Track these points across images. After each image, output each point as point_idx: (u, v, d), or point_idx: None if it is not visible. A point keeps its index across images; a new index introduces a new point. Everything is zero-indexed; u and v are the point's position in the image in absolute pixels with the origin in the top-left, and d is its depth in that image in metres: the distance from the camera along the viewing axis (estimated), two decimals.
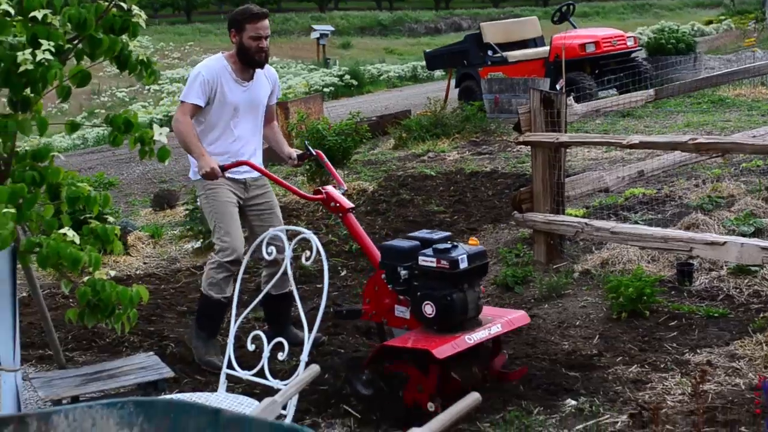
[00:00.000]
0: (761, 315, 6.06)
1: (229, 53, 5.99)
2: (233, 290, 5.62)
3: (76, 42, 4.06)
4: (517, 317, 5.39)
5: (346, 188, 5.88)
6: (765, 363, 5.38)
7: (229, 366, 4.18)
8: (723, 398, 4.97)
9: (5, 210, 3.89)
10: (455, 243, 5.13)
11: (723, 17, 37.52)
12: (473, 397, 3.25)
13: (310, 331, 3.96)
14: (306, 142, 6.47)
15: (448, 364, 4.94)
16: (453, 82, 17.05)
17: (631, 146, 6.91)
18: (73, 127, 4.36)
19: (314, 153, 6.21)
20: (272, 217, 6.11)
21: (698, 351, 5.70)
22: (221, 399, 3.98)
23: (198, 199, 6.15)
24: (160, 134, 4.26)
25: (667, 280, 6.91)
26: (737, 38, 25.55)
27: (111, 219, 4.42)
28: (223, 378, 4.21)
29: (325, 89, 24.76)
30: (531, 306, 6.83)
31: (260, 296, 4.76)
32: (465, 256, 4.98)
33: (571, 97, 8.13)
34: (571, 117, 7.97)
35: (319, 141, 10.59)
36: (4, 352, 4.26)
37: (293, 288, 5.73)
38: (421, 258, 5.05)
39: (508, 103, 13.04)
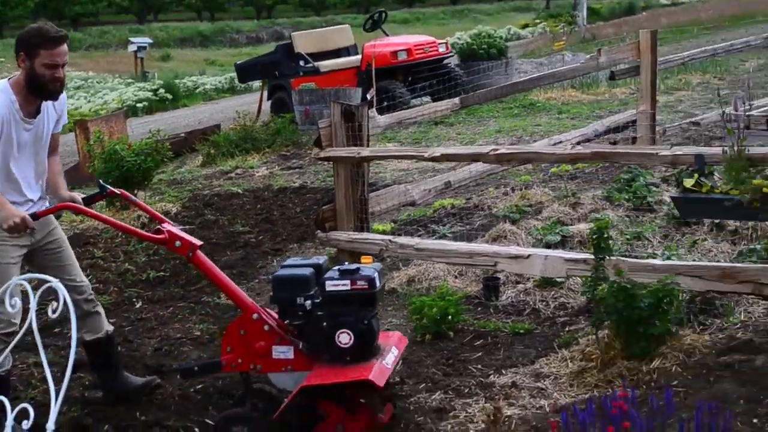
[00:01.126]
0: (566, 329, 5.89)
1: (14, 79, 4.92)
2: (10, 361, 5.03)
3: None
4: (400, 339, 5.01)
5: (173, 224, 4.96)
6: (570, 381, 5.17)
7: None
8: (526, 424, 4.70)
9: None
10: (354, 263, 4.74)
11: (538, 21, 38.36)
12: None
13: (57, 393, 3.42)
14: (100, 180, 5.46)
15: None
16: (266, 93, 16.59)
17: (433, 159, 6.65)
18: None
19: (117, 192, 5.27)
20: (65, 254, 5.23)
21: (503, 372, 5.46)
22: None
23: None
24: None
25: (474, 296, 6.70)
26: (550, 41, 26.04)
27: None
28: None
29: (139, 104, 23.85)
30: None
31: (14, 340, 4.01)
32: (377, 274, 4.59)
33: (374, 109, 7.87)
34: (375, 129, 7.69)
35: (118, 163, 9.93)
36: None
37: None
38: (328, 283, 4.56)
39: (319, 115, 12.66)
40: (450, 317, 5.99)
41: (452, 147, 7.78)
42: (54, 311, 3.56)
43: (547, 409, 4.84)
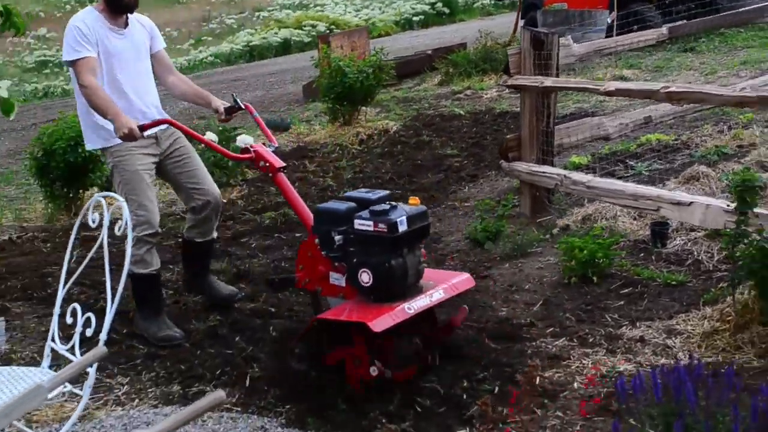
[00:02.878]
0: (719, 285, 5.49)
1: (97, 4, 5.45)
2: (159, 260, 5.50)
3: None
4: (461, 281, 4.90)
5: (277, 145, 5.40)
6: (700, 341, 4.87)
7: (54, 339, 3.94)
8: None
9: None
10: (393, 204, 4.66)
11: None
12: (215, 396, 2.94)
13: (112, 303, 3.65)
14: (233, 95, 5.76)
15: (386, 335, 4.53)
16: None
17: (608, 93, 6.32)
18: None
19: (242, 106, 5.61)
20: (192, 161, 5.64)
21: (637, 324, 5.21)
22: (31, 374, 3.76)
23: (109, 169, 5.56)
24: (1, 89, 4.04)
25: (641, 241, 6.38)
26: None
27: None
28: (47, 351, 3.98)
29: (415, 18, 24.12)
30: (491, 265, 6.41)
31: (85, 261, 4.26)
32: (404, 218, 4.53)
33: (569, 37, 7.54)
34: (569, 58, 7.41)
35: (341, 79, 10.17)
36: None
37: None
38: (357, 221, 4.60)
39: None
40: (599, 261, 5.75)
41: (628, 83, 7.24)
42: (120, 229, 3.74)
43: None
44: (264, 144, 5.26)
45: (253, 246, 7.27)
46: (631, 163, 7.95)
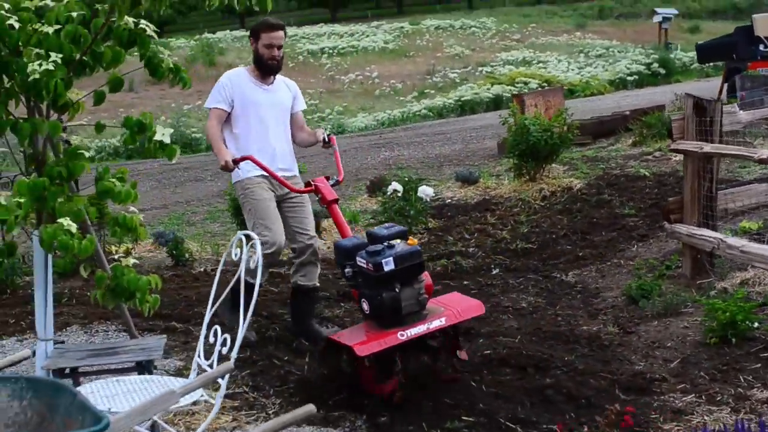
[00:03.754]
0: None
1: (250, 66, 6.56)
2: (266, 276, 6.44)
3: (81, 55, 4.56)
4: (468, 308, 5.49)
5: (341, 179, 6.29)
6: None
7: (199, 355, 4.50)
8: None
9: (16, 200, 4.47)
10: (391, 244, 5.29)
11: None
12: (306, 409, 3.44)
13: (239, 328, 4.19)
14: (324, 127, 6.75)
15: (383, 358, 5.23)
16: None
17: (761, 161, 6.44)
18: (98, 127, 4.88)
19: (328, 141, 6.47)
20: (303, 210, 6.45)
21: None
22: (173, 382, 4.31)
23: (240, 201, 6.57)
24: (163, 134, 4.68)
25: None
26: None
27: (133, 209, 4.88)
28: (193, 366, 4.54)
29: (629, 77, 24.14)
30: (640, 322, 6.61)
31: (231, 284, 4.83)
32: (391, 258, 5.17)
33: (736, 105, 7.65)
34: (734, 125, 7.53)
35: (526, 137, 10.55)
36: (40, 326, 4.89)
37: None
38: (357, 258, 5.33)
39: (759, 102, 12.19)
40: (739, 323, 5.87)
41: None
42: (254, 263, 4.28)
43: None
44: (328, 177, 6.20)
45: None
46: None
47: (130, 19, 4.61)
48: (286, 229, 6.36)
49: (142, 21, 4.62)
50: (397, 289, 5.21)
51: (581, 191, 10.57)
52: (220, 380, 4.11)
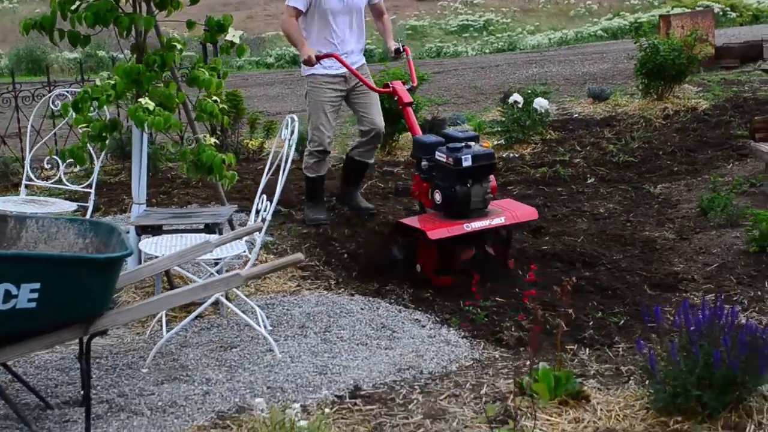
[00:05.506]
0: None
1: None
2: (327, 168, 7.26)
3: None
4: (525, 212, 6.17)
5: (415, 85, 7.02)
6: None
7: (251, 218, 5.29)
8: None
9: (109, 81, 5.39)
10: (469, 144, 5.90)
11: None
12: (295, 257, 4.23)
13: (271, 202, 4.95)
14: (399, 39, 7.65)
15: (448, 244, 5.80)
16: None
17: None
18: (189, 24, 5.72)
19: (402, 49, 7.12)
20: (368, 98, 7.15)
21: None
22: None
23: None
24: (233, 36, 5.47)
25: None
26: None
27: (215, 97, 5.70)
28: (249, 223, 5.30)
29: None
30: (700, 231, 6.97)
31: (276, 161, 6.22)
32: (469, 156, 5.77)
33: None
34: None
35: (655, 56, 10.76)
36: (136, 191, 5.86)
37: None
38: (437, 153, 5.93)
39: None
40: None
41: None
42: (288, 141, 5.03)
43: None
44: (404, 82, 6.84)
45: (515, 193, 8.27)
46: None
47: None
48: (355, 114, 7.34)
49: None
50: (468, 185, 5.82)
51: (705, 112, 10.73)
52: (257, 236, 4.89)
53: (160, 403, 4.41)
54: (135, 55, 5.62)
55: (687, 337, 4.04)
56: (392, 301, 5.86)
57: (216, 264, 5.26)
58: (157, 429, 4.17)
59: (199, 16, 6.25)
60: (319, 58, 6.81)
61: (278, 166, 5.04)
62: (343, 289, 6.06)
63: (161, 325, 5.13)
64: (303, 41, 6.90)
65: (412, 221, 5.99)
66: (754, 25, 22.85)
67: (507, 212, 6.00)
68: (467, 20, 31.01)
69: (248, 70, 20.54)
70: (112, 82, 5.31)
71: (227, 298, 5.52)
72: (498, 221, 5.90)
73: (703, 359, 3.91)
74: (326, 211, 7.39)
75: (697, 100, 11.19)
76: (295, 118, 5.14)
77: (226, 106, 8.40)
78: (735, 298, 5.65)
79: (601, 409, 4.14)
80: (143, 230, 5.43)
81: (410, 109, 6.65)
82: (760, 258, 6.22)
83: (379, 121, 7.22)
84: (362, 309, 5.66)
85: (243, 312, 5.23)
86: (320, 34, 7.01)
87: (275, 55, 23.33)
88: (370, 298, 5.89)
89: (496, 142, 10.03)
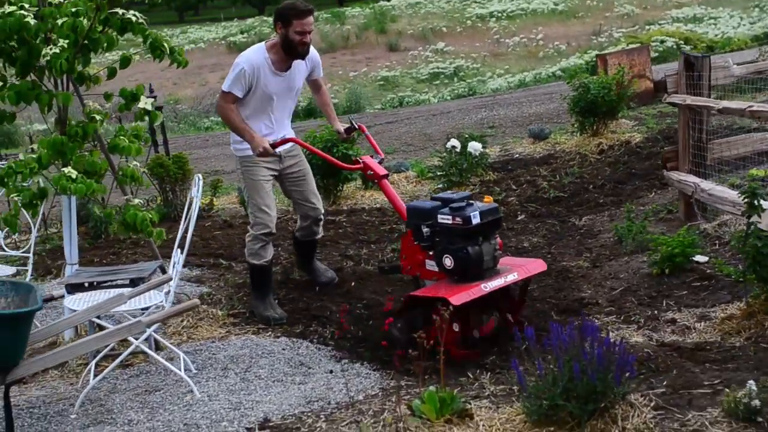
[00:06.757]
0: None
1: (271, 43, 6.47)
2: (272, 253, 6.73)
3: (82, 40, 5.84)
4: (534, 265, 6.07)
5: (383, 157, 6.60)
6: (718, 325, 5.67)
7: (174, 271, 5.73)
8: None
9: (33, 155, 5.81)
10: (470, 202, 5.78)
11: None
12: (191, 303, 4.61)
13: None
14: (350, 117, 7.11)
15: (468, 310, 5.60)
16: None
17: (720, 111, 7.12)
18: (106, 97, 6.16)
19: (356, 126, 6.81)
20: (305, 182, 6.81)
21: (681, 310, 6.06)
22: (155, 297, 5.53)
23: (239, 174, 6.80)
24: (145, 103, 5.91)
25: None
26: None
27: (135, 163, 6.13)
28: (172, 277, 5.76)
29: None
30: (613, 258, 7.39)
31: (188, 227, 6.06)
32: (477, 212, 5.64)
33: (729, 59, 8.23)
34: (728, 79, 8.13)
35: (586, 94, 11.25)
36: (68, 252, 6.26)
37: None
38: (439, 216, 5.72)
39: None
40: (674, 257, 6.60)
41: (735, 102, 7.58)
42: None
43: (655, 342, 5.52)
44: (372, 156, 6.53)
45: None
46: None
47: (123, 11, 5.83)
48: (290, 199, 6.98)
49: (131, 11, 5.83)
50: (479, 244, 5.68)
51: (638, 145, 11.19)
52: (170, 287, 5.30)
53: None
54: (58, 128, 6.05)
55: (554, 354, 4.44)
56: (314, 340, 6.24)
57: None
58: None
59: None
60: (275, 146, 6.41)
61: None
62: (270, 333, 6.43)
63: (90, 375, 5.50)
64: (251, 132, 6.35)
65: (426, 292, 5.73)
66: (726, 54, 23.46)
67: (517, 268, 5.90)
68: (438, 68, 31.67)
69: (215, 130, 21.06)
70: (35, 155, 5.74)
71: (157, 347, 5.92)
72: (512, 278, 5.76)
73: (567, 373, 4.29)
74: (278, 306, 6.72)
75: (631, 133, 11.66)
76: (200, 177, 5.57)
77: (173, 168, 8.93)
78: (633, 318, 6.05)
79: (483, 425, 4.51)
80: (73, 288, 5.81)
81: (387, 182, 6.36)
82: (661, 280, 6.63)
83: (319, 205, 6.91)
84: (283, 349, 6.05)
85: (171, 359, 5.62)
86: (256, 119, 6.49)
87: None
88: (294, 339, 6.27)
89: (436, 186, 10.46)
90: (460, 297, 5.40)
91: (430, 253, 5.89)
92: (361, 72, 31.55)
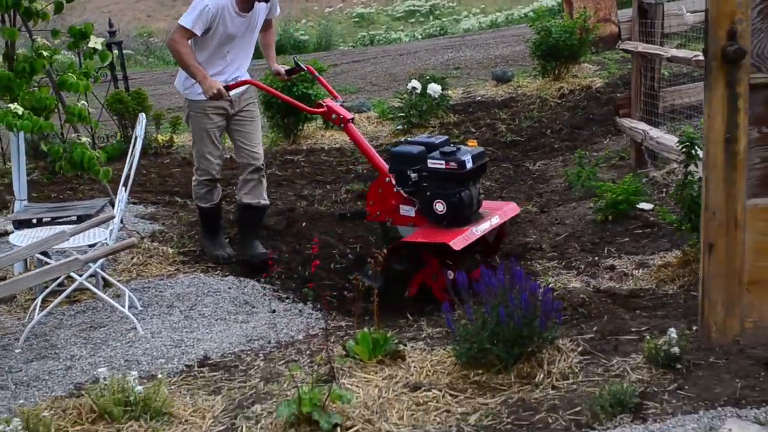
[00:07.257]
0: None
1: None
2: (220, 194, 6.63)
3: None
4: (510, 209, 6.13)
5: (342, 100, 6.43)
6: (655, 272, 5.80)
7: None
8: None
9: None
10: (458, 146, 5.72)
11: None
12: (129, 242, 4.67)
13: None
14: (294, 58, 6.88)
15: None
16: None
17: (669, 59, 7.20)
18: (54, 33, 6.16)
19: (304, 68, 6.66)
20: (251, 126, 6.56)
21: (621, 257, 6.19)
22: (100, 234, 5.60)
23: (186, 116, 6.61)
24: (96, 43, 5.91)
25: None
26: None
27: (83, 102, 6.16)
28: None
29: None
30: (561, 203, 7.50)
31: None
32: (470, 157, 5.62)
33: (683, 7, 8.29)
34: (681, 27, 8.20)
35: (547, 37, 11.27)
36: (17, 188, 6.30)
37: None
38: (429, 161, 5.65)
39: None
40: (618, 204, 6.71)
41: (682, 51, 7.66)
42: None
43: (591, 288, 5.64)
44: (332, 99, 6.29)
45: None
46: None
47: None
48: (233, 142, 6.61)
49: None
50: (470, 188, 5.69)
51: (598, 90, 11.25)
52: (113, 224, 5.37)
53: (25, 378, 4.88)
54: (6, 64, 6.05)
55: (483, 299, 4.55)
56: (261, 280, 6.32)
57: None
58: (18, 401, 4.63)
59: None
60: (229, 88, 6.17)
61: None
62: (218, 272, 6.51)
63: (36, 310, 5.58)
64: (204, 72, 6.12)
65: (421, 237, 5.63)
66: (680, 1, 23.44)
67: (496, 211, 5.92)
68: (413, 5, 31.37)
69: None
70: None
71: (106, 284, 6.00)
72: (496, 221, 5.81)
73: (494, 317, 4.41)
74: (227, 245, 6.71)
75: (593, 78, 11.71)
76: (144, 116, 5.62)
77: (132, 104, 8.93)
78: (573, 264, 6.17)
79: (414, 366, 4.62)
80: (20, 224, 5.87)
81: (352, 125, 6.16)
82: (605, 226, 6.74)
83: (260, 153, 6.59)
84: (230, 288, 6.14)
85: (117, 296, 5.72)
86: (211, 59, 6.28)
87: None
88: (241, 279, 6.35)
89: (396, 128, 10.51)
90: (459, 241, 5.44)
91: (406, 198, 5.81)
92: (336, 8, 31.23)
